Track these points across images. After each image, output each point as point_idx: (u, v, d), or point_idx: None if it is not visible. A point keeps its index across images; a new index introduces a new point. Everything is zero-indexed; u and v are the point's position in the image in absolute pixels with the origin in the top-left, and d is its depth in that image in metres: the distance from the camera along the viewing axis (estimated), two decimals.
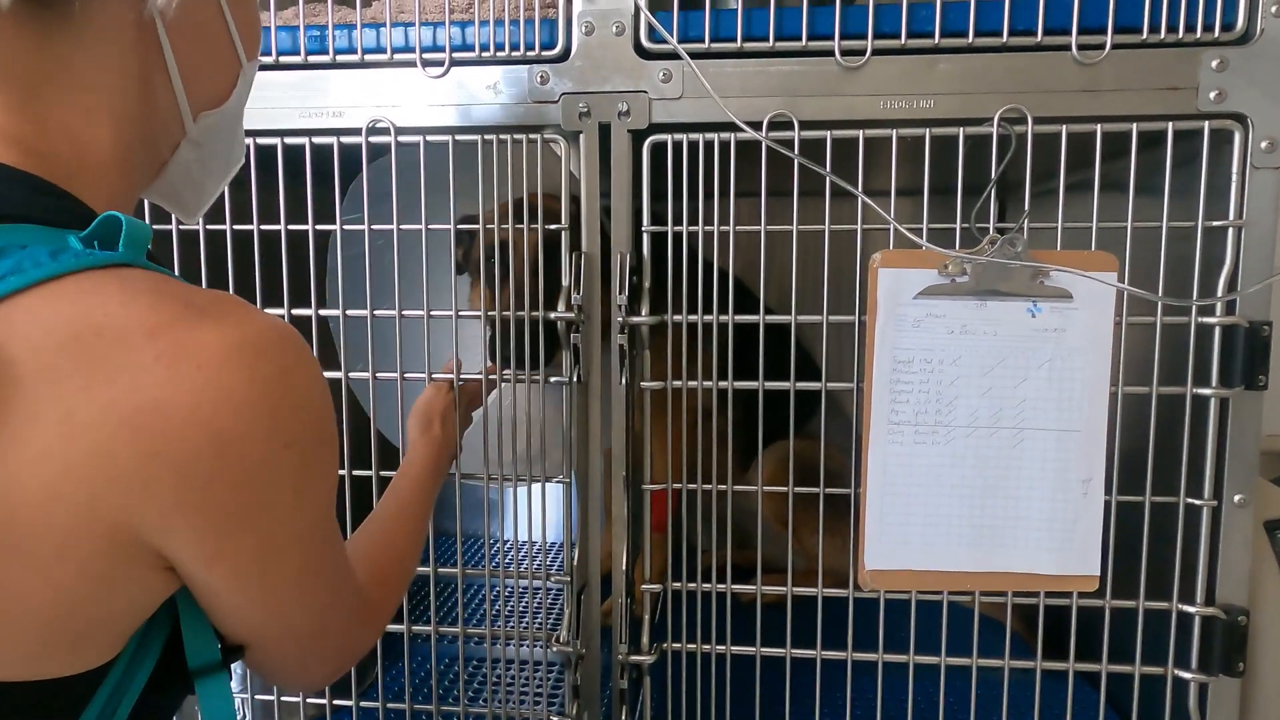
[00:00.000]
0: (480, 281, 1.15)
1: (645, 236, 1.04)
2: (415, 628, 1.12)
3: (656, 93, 1.01)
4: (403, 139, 1.03)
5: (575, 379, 1.06)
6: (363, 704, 1.13)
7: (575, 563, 1.09)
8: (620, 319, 1.03)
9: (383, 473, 1.06)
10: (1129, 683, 1.02)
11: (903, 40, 0.97)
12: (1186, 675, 1.01)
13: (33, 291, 0.49)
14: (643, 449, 1.09)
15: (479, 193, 1.03)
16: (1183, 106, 0.96)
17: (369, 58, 1.05)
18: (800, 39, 0.98)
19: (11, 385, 0.48)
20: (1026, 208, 0.95)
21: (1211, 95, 0.95)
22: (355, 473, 1.08)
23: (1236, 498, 0.99)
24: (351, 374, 1.08)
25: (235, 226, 1.06)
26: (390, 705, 1.13)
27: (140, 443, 0.49)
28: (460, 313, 1.06)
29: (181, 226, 1.05)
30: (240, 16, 0.68)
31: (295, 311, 1.06)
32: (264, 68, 1.04)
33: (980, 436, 0.98)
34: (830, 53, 0.98)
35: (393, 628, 1.08)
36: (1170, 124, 0.95)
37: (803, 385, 1.03)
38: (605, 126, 1.03)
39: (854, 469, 1.01)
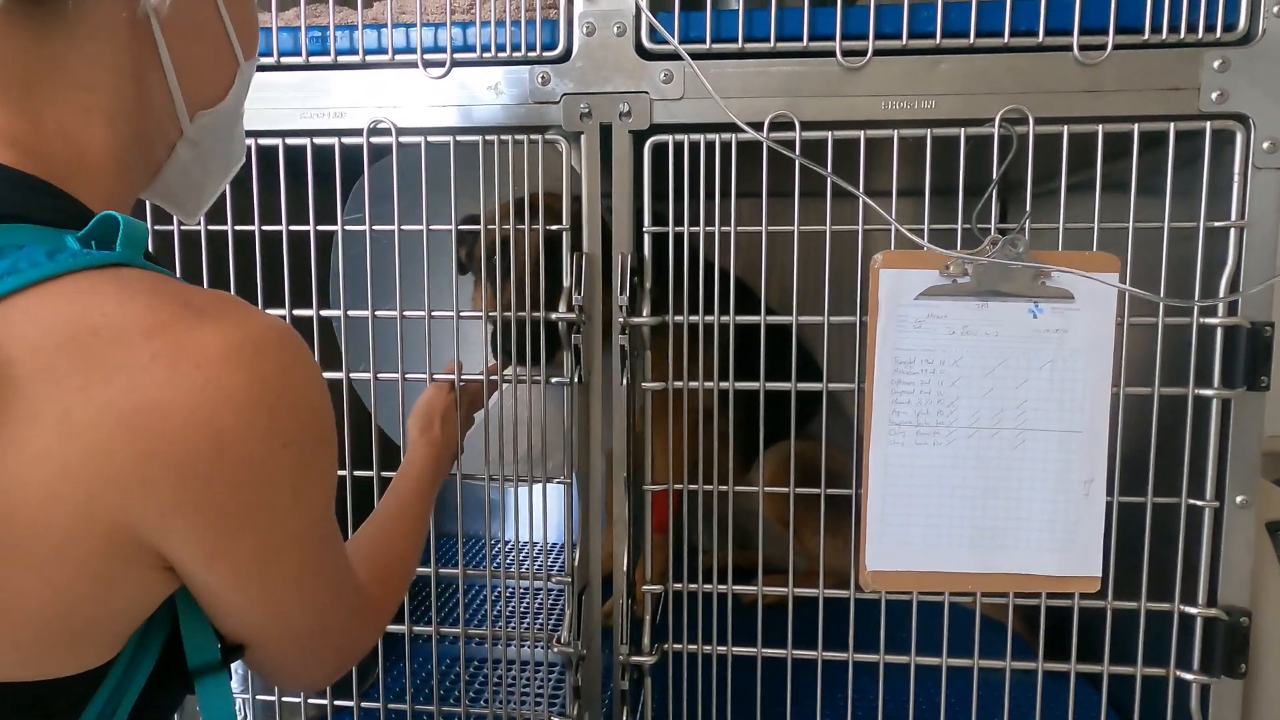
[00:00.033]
0: (483, 279, 1.15)
1: (646, 237, 1.04)
2: (416, 628, 1.12)
3: (658, 93, 1.01)
4: (404, 140, 1.03)
5: (576, 379, 1.06)
6: (364, 704, 1.13)
7: (576, 563, 1.09)
8: (621, 319, 1.03)
9: (384, 473, 1.06)
10: (1131, 684, 1.02)
11: (904, 41, 0.97)
12: (1188, 676, 1.01)
13: (30, 292, 0.49)
14: (644, 449, 1.09)
15: (481, 193, 1.03)
16: (1184, 107, 0.95)
17: (370, 58, 1.05)
18: (801, 39, 0.98)
19: (9, 385, 0.48)
20: (1028, 208, 0.95)
21: (1213, 96, 0.95)
22: (357, 473, 1.08)
23: (1238, 499, 0.99)
24: (353, 374, 1.08)
25: (237, 227, 1.06)
26: (391, 706, 1.13)
27: (138, 442, 0.49)
28: (462, 313, 1.06)
29: (183, 227, 1.05)
30: (237, 15, 0.68)
31: (297, 312, 1.07)
32: (265, 68, 1.05)
33: (982, 437, 0.97)
34: (831, 53, 0.98)
35: (394, 628, 1.08)
36: (1172, 124, 0.95)
37: (804, 386, 1.03)
38: (606, 127, 1.03)
39: (855, 470, 1.01)
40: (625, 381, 1.05)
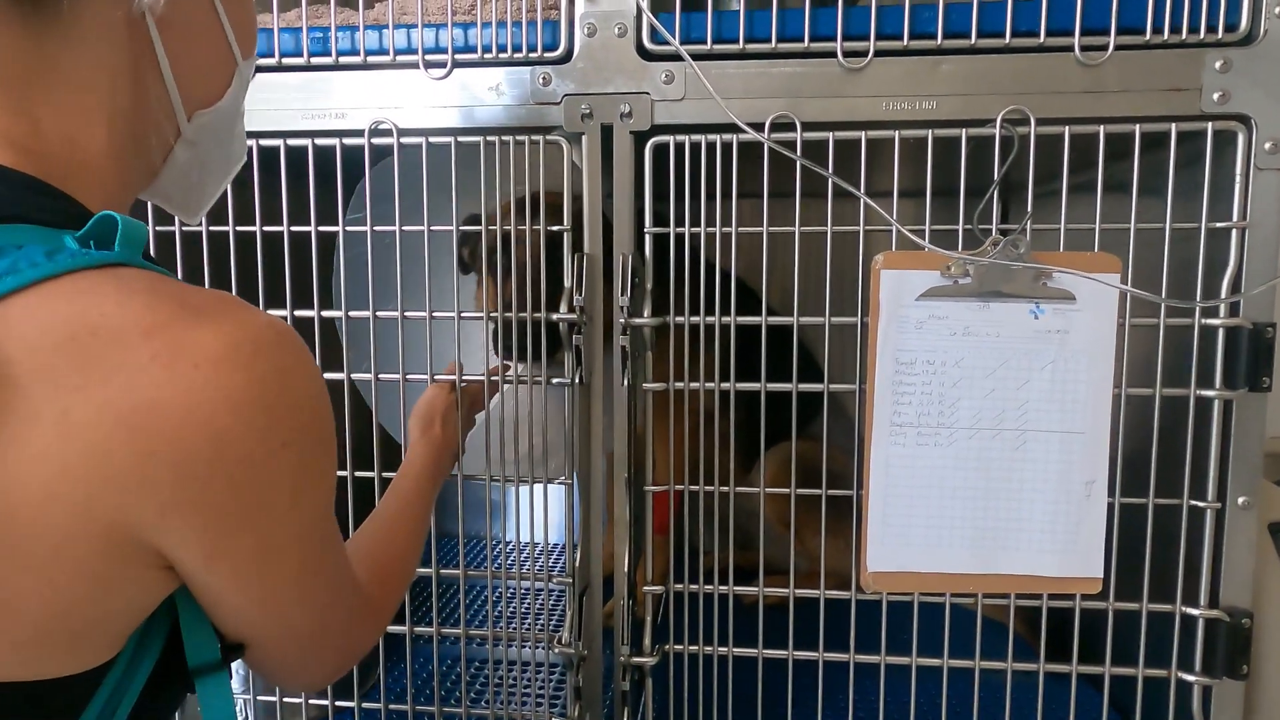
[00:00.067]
0: (485, 277, 1.15)
1: (648, 237, 1.04)
2: (417, 629, 1.12)
3: (659, 94, 1.01)
4: (405, 140, 1.04)
5: (577, 380, 1.06)
6: (365, 705, 1.13)
7: (577, 564, 1.09)
8: (622, 320, 1.03)
9: (385, 474, 1.06)
10: (1132, 685, 1.02)
11: (905, 41, 0.97)
12: (1190, 678, 1.00)
13: (29, 292, 0.49)
14: (645, 450, 1.09)
15: (482, 194, 1.03)
16: (1186, 108, 0.95)
17: (372, 59, 1.05)
18: (802, 40, 0.98)
19: (8, 385, 0.48)
20: (1029, 209, 0.95)
21: (1215, 96, 0.95)
22: (358, 473, 1.08)
23: (1240, 500, 0.98)
24: (354, 375, 1.08)
25: (238, 228, 1.06)
26: (392, 706, 1.13)
27: (137, 442, 0.49)
28: (463, 314, 1.07)
29: (185, 228, 1.05)
30: (235, 14, 0.68)
31: (298, 313, 1.07)
32: (267, 69, 1.05)
33: (983, 438, 0.97)
34: (832, 54, 0.98)
35: (395, 628, 1.08)
36: (1173, 125, 0.95)
37: (805, 387, 1.03)
38: (607, 128, 1.03)
39: (856, 470, 1.01)
40: (626, 382, 1.05)
